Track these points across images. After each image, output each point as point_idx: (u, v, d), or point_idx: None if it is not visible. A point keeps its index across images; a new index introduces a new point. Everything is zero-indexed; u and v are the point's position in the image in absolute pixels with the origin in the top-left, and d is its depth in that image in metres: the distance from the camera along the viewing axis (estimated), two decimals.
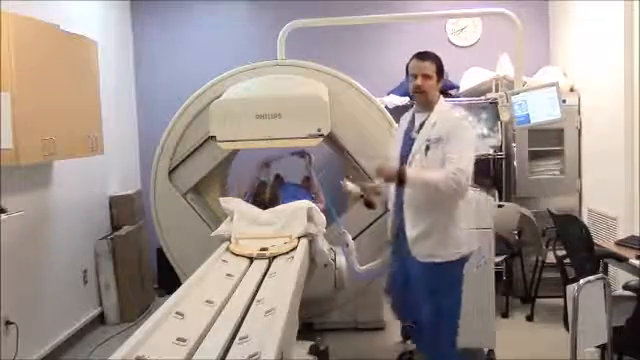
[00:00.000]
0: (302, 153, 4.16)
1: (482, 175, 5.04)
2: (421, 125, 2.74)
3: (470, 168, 2.60)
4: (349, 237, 3.45)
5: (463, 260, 2.76)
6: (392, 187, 2.85)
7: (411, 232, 2.72)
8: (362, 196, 2.96)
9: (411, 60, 2.78)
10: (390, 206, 2.93)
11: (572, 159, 4.68)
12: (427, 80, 2.71)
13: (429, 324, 2.77)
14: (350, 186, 3.02)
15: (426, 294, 2.75)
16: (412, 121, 2.83)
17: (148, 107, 5.35)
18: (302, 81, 3.83)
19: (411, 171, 2.64)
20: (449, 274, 2.74)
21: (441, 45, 5.25)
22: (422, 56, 2.76)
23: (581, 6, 4.62)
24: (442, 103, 2.79)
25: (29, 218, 3.50)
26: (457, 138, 2.60)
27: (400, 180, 2.62)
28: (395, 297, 3.03)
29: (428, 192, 2.62)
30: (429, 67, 2.72)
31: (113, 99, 4.77)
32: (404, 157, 2.76)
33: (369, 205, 2.96)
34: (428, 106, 2.75)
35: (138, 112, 5.43)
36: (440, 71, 2.76)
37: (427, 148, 2.66)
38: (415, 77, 2.72)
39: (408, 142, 2.78)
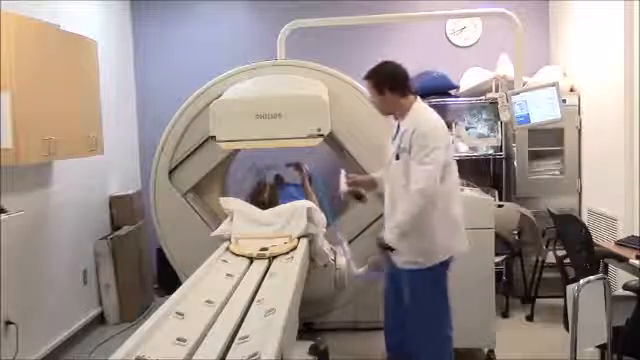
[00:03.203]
0: (296, 166, 4.17)
1: (482, 175, 5.05)
2: (396, 133, 2.82)
3: (432, 173, 2.59)
4: (345, 244, 3.48)
5: (442, 266, 2.76)
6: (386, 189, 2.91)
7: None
8: (351, 192, 3.04)
9: None
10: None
11: (572, 159, 4.68)
12: (375, 97, 2.82)
13: (413, 330, 2.81)
14: (343, 187, 3.08)
15: (408, 300, 2.79)
16: (395, 128, 2.90)
17: (148, 107, 5.35)
18: (302, 81, 3.83)
19: (386, 234, 2.71)
20: (427, 280, 2.75)
21: (441, 45, 5.26)
22: (365, 76, 2.85)
23: (581, 6, 4.62)
24: (415, 109, 2.79)
25: (29, 218, 3.50)
26: (417, 147, 2.63)
27: (387, 248, 2.71)
28: (385, 302, 3.08)
29: (411, 223, 2.64)
30: (370, 85, 2.82)
31: (113, 99, 4.77)
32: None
33: (358, 197, 3.01)
34: (400, 116, 2.82)
35: (138, 112, 5.43)
36: (381, 85, 2.77)
37: (397, 157, 2.75)
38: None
39: (390, 149, 2.87)
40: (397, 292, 2.87)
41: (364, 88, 3.94)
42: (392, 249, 2.71)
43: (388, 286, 2.99)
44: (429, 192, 2.58)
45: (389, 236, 2.70)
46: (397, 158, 2.74)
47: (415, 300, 2.77)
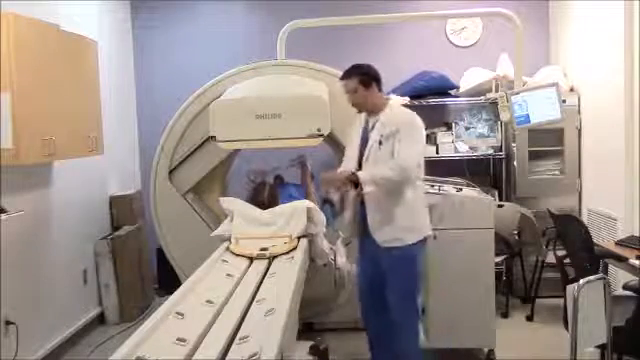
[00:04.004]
0: (300, 163, 4.16)
1: (482, 175, 5.05)
2: (374, 125, 2.97)
3: (415, 156, 2.85)
4: (340, 244, 3.48)
5: (421, 243, 2.95)
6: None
7: (372, 219, 2.92)
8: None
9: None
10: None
11: (572, 159, 4.68)
12: (353, 94, 2.98)
13: (393, 306, 2.95)
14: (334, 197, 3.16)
15: (389, 278, 2.94)
16: (366, 123, 3.04)
17: (148, 107, 5.35)
18: (302, 81, 3.83)
19: (361, 172, 2.86)
20: (411, 257, 2.93)
21: (441, 45, 5.26)
22: (343, 75, 3.02)
23: (581, 6, 4.61)
24: (391, 105, 3.01)
25: (29, 218, 3.50)
26: (404, 133, 2.86)
27: (354, 182, 2.83)
28: (363, 298, 3.14)
29: (383, 184, 2.82)
30: (350, 84, 2.97)
31: (113, 99, 4.76)
32: (362, 154, 2.98)
33: (327, 201, 3.07)
34: (375, 110, 2.99)
35: (138, 112, 5.43)
36: (366, 80, 2.96)
37: (380, 143, 2.90)
38: (347, 94, 3.00)
39: (364, 141, 3.00)
40: (373, 274, 3.00)
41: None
42: (357, 185, 2.81)
43: (363, 270, 3.11)
44: (409, 173, 2.80)
45: (364, 175, 2.82)
46: (380, 144, 2.89)
47: (396, 276, 2.93)
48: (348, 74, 2.99)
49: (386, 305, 2.98)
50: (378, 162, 2.88)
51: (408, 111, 2.97)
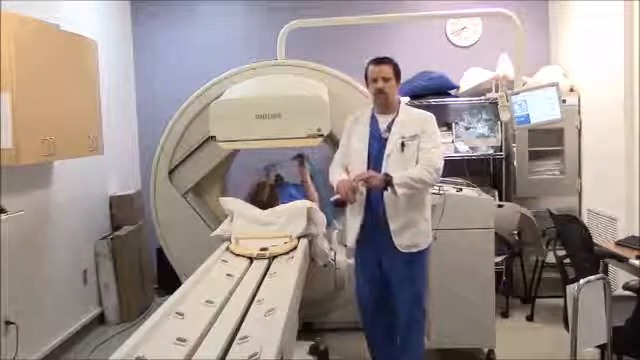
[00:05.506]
0: (301, 158, 4.16)
1: (482, 175, 5.05)
2: (390, 125, 2.91)
3: (442, 158, 2.87)
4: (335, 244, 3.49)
5: (429, 248, 3.01)
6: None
7: (395, 224, 2.86)
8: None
9: (369, 66, 2.95)
10: (354, 208, 2.98)
11: (572, 159, 4.68)
12: (387, 82, 2.89)
13: (403, 309, 2.95)
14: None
15: (402, 282, 2.93)
16: (374, 122, 2.97)
17: (148, 107, 5.35)
18: (302, 81, 3.83)
19: (395, 174, 2.78)
20: (424, 261, 2.98)
21: (441, 45, 5.26)
22: (380, 61, 2.94)
23: (581, 6, 4.62)
24: (404, 104, 3.00)
25: (29, 218, 3.50)
26: (430, 135, 2.87)
27: (387, 182, 2.76)
28: (364, 301, 3.10)
29: (416, 187, 2.78)
30: (387, 70, 2.90)
31: (113, 99, 4.76)
32: (375, 156, 2.91)
33: (342, 204, 3.01)
34: (390, 107, 2.95)
35: (138, 112, 5.43)
36: (398, 74, 2.94)
37: (402, 144, 2.84)
38: (375, 81, 2.90)
39: (377, 142, 2.93)
40: (379, 278, 2.99)
41: (364, 88, 3.95)
42: (393, 186, 2.74)
43: (367, 274, 3.04)
44: (439, 174, 2.82)
45: (398, 177, 2.75)
46: (403, 145, 2.84)
47: (410, 281, 2.93)
48: (385, 60, 2.92)
49: (391, 308, 2.98)
50: (401, 164, 2.83)
51: (427, 112, 2.98)
